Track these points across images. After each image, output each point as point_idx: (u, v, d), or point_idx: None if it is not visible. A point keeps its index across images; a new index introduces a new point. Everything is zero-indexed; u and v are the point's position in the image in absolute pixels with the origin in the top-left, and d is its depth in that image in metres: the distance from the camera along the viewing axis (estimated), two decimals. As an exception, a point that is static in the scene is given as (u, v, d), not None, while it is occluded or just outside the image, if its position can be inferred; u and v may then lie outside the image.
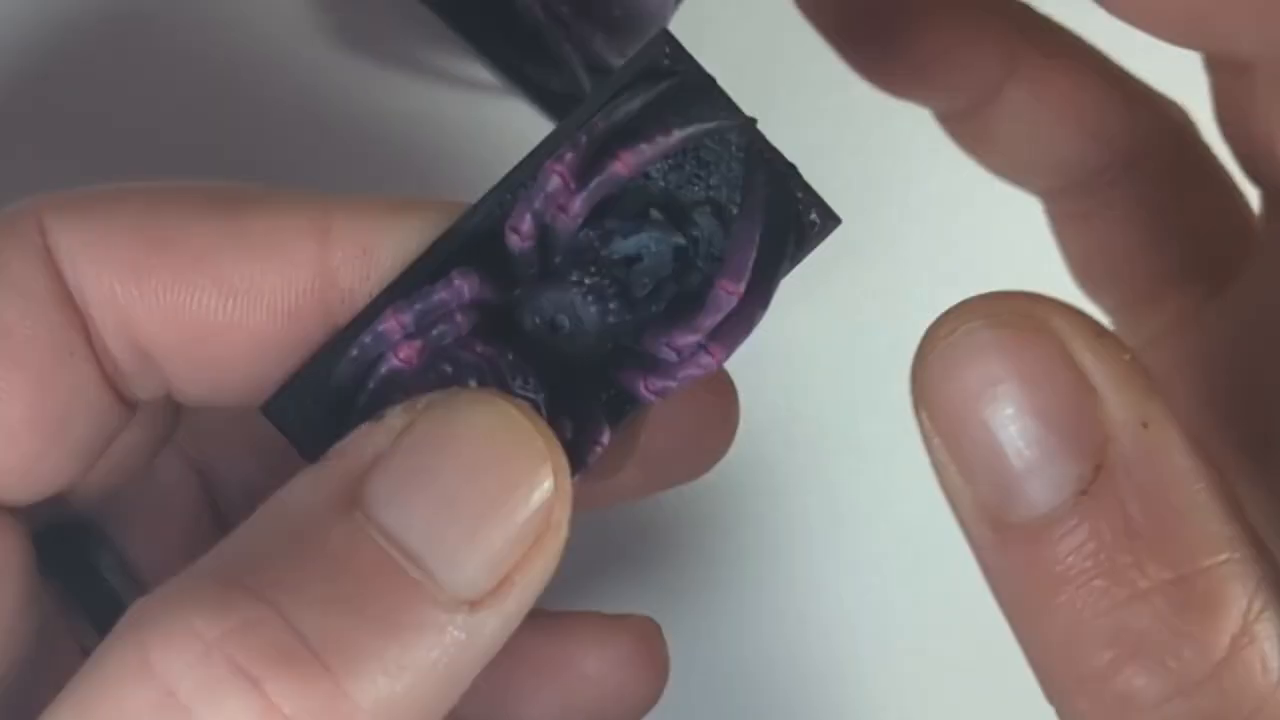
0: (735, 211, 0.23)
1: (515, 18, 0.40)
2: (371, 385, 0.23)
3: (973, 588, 0.42)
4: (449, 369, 0.22)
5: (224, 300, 0.24)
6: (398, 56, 0.42)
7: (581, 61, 0.40)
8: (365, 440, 0.22)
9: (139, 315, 0.24)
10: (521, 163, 0.23)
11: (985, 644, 0.42)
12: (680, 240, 0.23)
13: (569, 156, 0.22)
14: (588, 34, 0.40)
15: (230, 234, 0.24)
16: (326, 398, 0.24)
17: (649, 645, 0.29)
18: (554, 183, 0.22)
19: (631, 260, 0.23)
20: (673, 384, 0.22)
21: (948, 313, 0.21)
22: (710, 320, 0.22)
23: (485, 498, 0.21)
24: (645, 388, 0.23)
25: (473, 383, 0.22)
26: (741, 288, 0.22)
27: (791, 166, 0.23)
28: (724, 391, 0.27)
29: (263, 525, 0.22)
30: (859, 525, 0.42)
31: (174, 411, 0.28)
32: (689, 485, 0.42)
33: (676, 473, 0.29)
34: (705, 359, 0.22)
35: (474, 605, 0.21)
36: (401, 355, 0.22)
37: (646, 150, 0.22)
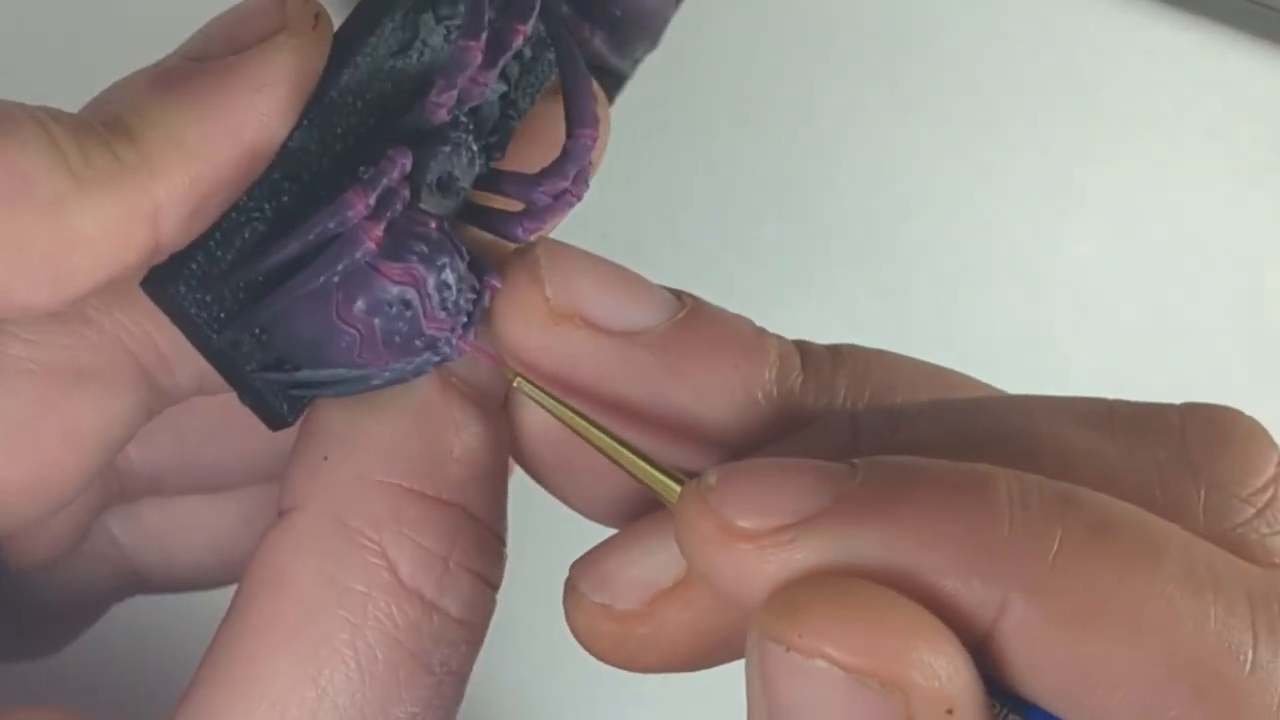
0: (534, 43, 0.26)
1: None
2: (336, 267, 0.23)
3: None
4: (423, 248, 0.24)
5: None
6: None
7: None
8: None
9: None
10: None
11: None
12: (504, 87, 0.25)
13: (483, 37, 0.24)
14: (587, 34, 0.40)
15: None
16: (235, 276, 0.24)
17: None
18: (474, 59, 0.24)
19: (474, 110, 0.25)
20: (543, 224, 0.25)
21: (790, 607, 0.20)
22: (576, 166, 0.25)
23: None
24: (522, 230, 0.25)
25: (445, 261, 0.24)
26: (598, 130, 0.25)
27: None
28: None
29: None
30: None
31: None
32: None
33: None
34: (571, 198, 0.25)
35: None
36: (372, 236, 0.23)
37: (530, 23, 0.24)
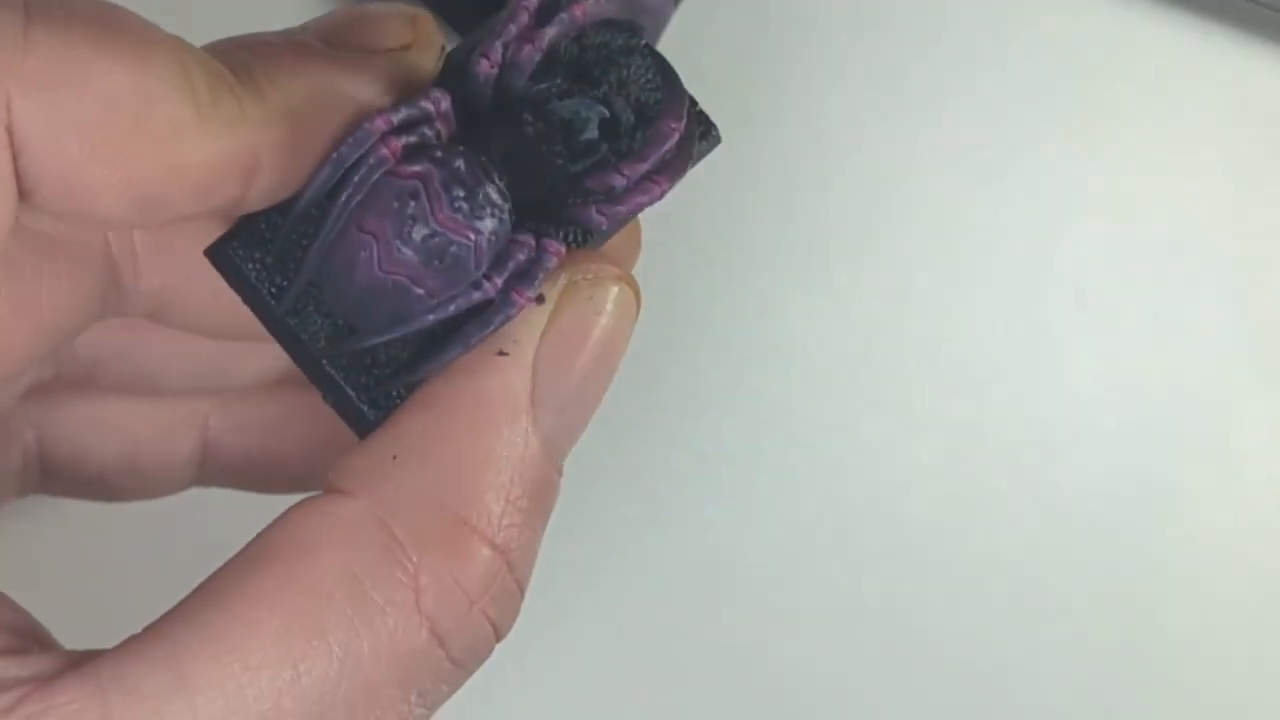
0: (658, 106, 0.26)
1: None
2: (355, 180, 0.23)
3: (973, 588, 0.42)
4: (438, 153, 0.24)
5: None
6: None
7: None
8: (526, 327, 0.25)
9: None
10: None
11: (985, 644, 0.42)
12: (605, 112, 0.25)
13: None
14: (588, 34, 0.40)
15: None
16: (288, 234, 0.24)
17: None
18: (521, 18, 0.24)
19: (565, 122, 0.25)
20: (623, 209, 0.25)
21: None
22: (656, 151, 0.25)
23: (606, 380, 0.25)
24: (598, 213, 0.25)
25: (459, 163, 0.24)
26: (681, 125, 0.25)
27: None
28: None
29: (448, 427, 0.25)
30: (859, 525, 0.42)
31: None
32: (689, 487, 0.42)
33: None
34: (653, 186, 0.25)
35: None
36: (389, 146, 0.24)
37: (592, 6, 0.25)
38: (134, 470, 0.31)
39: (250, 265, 0.24)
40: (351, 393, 0.25)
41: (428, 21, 0.26)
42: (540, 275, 0.24)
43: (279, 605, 0.23)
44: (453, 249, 0.23)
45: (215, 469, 0.32)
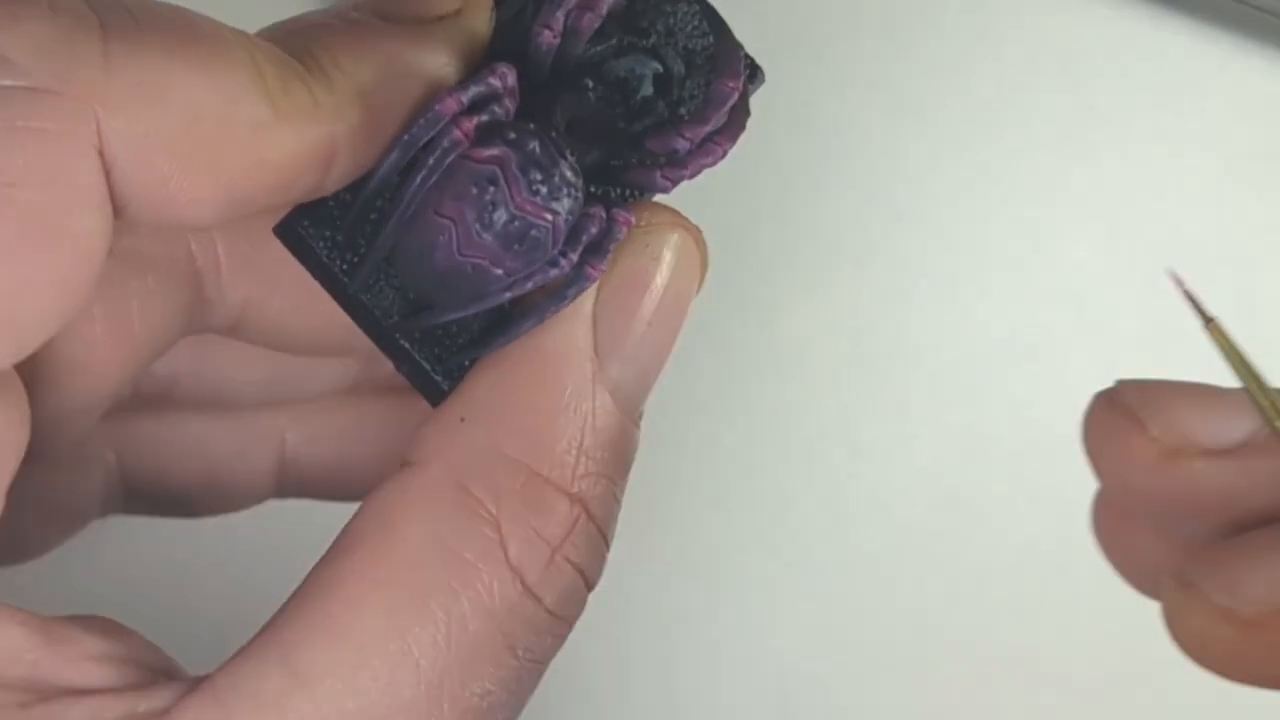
0: (706, 53, 0.26)
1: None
2: (429, 163, 0.24)
3: (972, 587, 0.42)
4: (513, 135, 0.24)
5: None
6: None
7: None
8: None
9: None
10: None
11: (984, 644, 0.42)
12: (659, 67, 0.25)
13: None
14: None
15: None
16: (357, 212, 0.24)
17: None
18: None
19: (621, 80, 0.25)
20: (686, 172, 0.25)
21: None
22: (717, 112, 0.24)
23: (673, 327, 0.25)
24: (662, 177, 0.25)
25: (534, 145, 0.24)
26: (740, 83, 0.25)
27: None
28: None
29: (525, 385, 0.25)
30: (858, 525, 0.42)
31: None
32: (689, 488, 0.42)
33: None
34: (715, 148, 0.25)
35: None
36: (462, 128, 0.24)
37: None
38: (214, 487, 0.31)
39: (320, 243, 0.24)
40: (425, 365, 0.25)
41: None
42: (611, 247, 0.24)
43: (376, 583, 0.23)
44: (533, 232, 0.24)
45: (293, 481, 0.32)
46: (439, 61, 0.24)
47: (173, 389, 0.30)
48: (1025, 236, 0.42)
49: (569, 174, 0.24)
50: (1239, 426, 0.23)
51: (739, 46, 0.25)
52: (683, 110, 0.26)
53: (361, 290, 0.25)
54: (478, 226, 0.23)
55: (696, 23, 0.26)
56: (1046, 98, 0.43)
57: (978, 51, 0.42)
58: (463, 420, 0.24)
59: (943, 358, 0.42)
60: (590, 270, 0.24)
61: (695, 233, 0.26)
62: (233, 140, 0.23)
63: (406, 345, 0.25)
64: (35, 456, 0.27)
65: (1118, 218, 0.43)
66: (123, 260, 0.26)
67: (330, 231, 0.24)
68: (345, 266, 0.24)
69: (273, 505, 0.33)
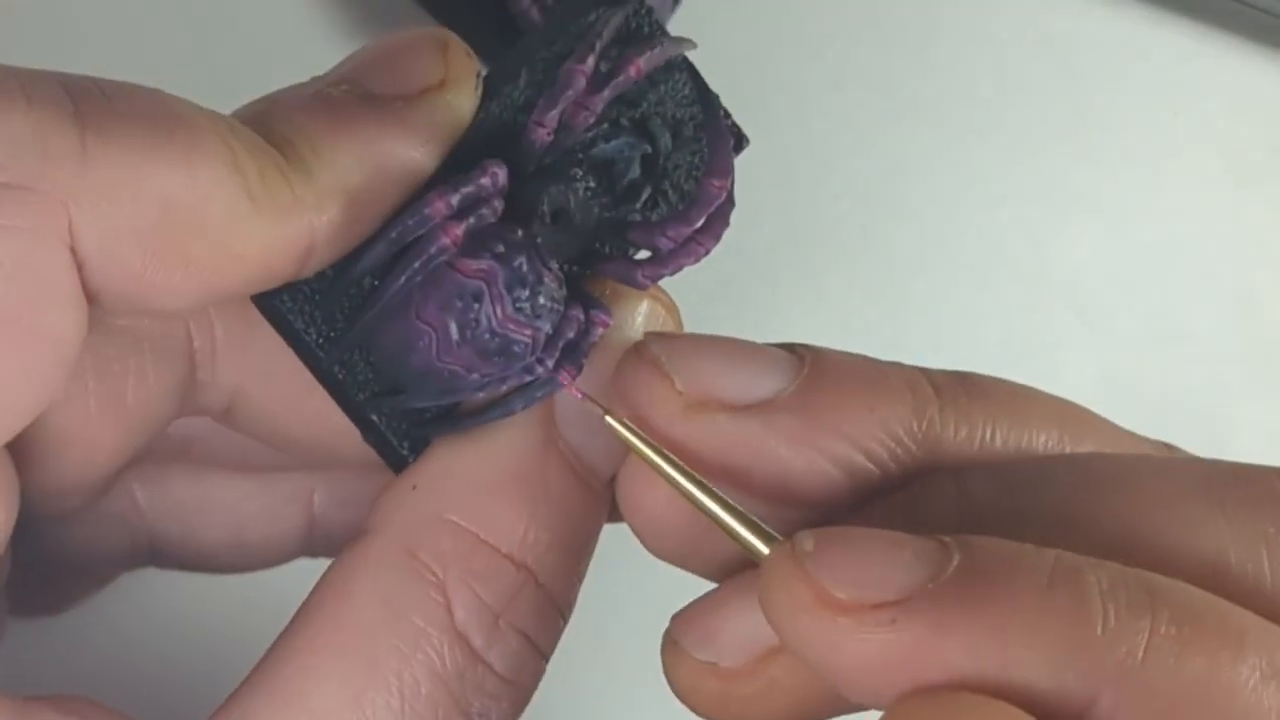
0: (695, 124, 0.25)
1: (509, 19, 0.40)
2: (414, 265, 0.24)
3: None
4: (500, 248, 0.24)
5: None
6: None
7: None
8: None
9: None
10: (505, 68, 0.25)
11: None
12: (647, 148, 0.25)
13: (590, 61, 0.24)
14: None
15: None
16: (337, 290, 0.24)
17: None
18: (579, 83, 0.24)
19: (609, 164, 0.25)
20: (666, 270, 0.25)
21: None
22: (702, 213, 0.24)
23: None
24: (643, 275, 0.25)
25: (521, 260, 0.24)
26: (728, 183, 0.24)
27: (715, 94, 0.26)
28: None
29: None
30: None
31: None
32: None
33: None
34: (697, 248, 0.24)
35: None
36: (450, 235, 0.23)
37: (652, 56, 0.24)
38: (241, 546, 0.31)
39: (299, 319, 0.24)
40: (392, 439, 0.25)
41: (458, 47, 0.25)
42: (588, 350, 0.24)
43: (331, 650, 0.23)
44: (514, 347, 0.24)
45: (322, 541, 0.32)
46: (424, 152, 0.24)
47: (192, 447, 0.30)
48: (1024, 236, 0.42)
49: (553, 287, 0.24)
50: (764, 384, 0.23)
51: (728, 132, 0.25)
52: (667, 184, 0.26)
53: (336, 364, 0.25)
54: (458, 338, 0.24)
55: (686, 92, 0.26)
56: (1046, 98, 0.43)
57: (978, 51, 0.42)
58: (414, 488, 0.24)
59: (942, 358, 0.42)
60: (564, 376, 0.24)
61: (667, 302, 0.26)
62: (207, 234, 0.22)
63: (376, 419, 0.25)
64: (44, 519, 0.27)
65: (1117, 217, 0.43)
66: (118, 336, 0.26)
67: (309, 307, 0.24)
68: (321, 340, 0.24)
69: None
